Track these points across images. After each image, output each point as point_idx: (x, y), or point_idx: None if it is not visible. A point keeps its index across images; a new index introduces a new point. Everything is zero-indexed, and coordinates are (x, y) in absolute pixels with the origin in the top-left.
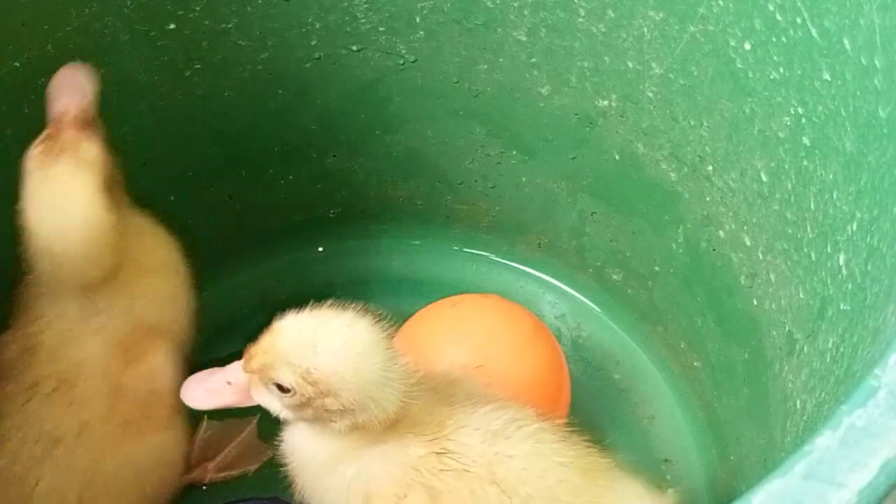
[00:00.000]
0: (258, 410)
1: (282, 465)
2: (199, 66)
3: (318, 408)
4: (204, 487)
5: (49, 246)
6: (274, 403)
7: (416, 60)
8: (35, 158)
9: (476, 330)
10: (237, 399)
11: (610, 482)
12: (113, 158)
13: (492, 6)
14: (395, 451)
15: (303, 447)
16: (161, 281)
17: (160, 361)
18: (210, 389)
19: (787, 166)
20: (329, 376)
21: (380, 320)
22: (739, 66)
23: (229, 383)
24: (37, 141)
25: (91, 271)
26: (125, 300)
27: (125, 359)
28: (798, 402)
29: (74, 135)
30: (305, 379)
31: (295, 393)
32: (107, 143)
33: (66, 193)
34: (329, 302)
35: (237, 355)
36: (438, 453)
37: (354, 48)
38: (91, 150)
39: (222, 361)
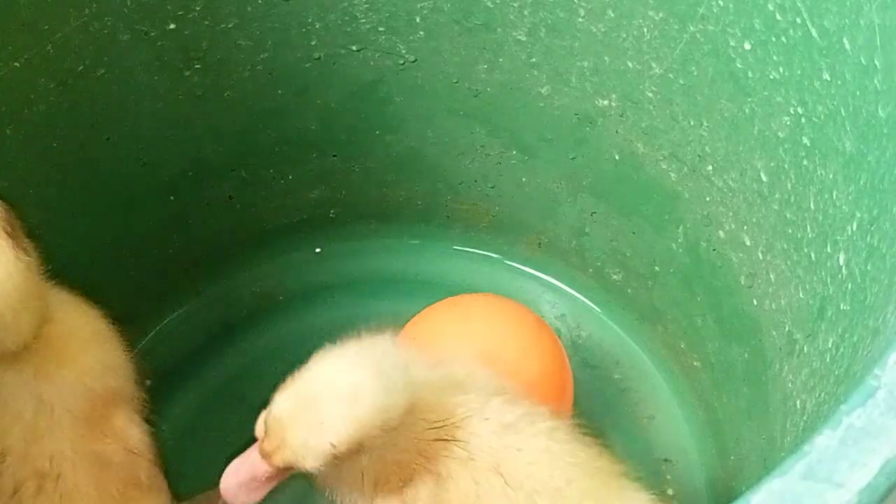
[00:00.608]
0: None
1: None
2: (199, 66)
3: (351, 462)
4: None
5: None
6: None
7: (416, 60)
8: None
9: (480, 329)
10: (275, 482)
11: (619, 490)
12: (10, 209)
13: (492, 6)
14: (404, 436)
15: None
16: (100, 349)
17: (126, 422)
18: (246, 487)
19: (787, 166)
20: (351, 438)
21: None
22: (739, 66)
23: (260, 477)
24: None
25: (22, 325)
26: (75, 378)
27: (95, 432)
28: (798, 402)
29: None
30: (332, 455)
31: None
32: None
33: None
34: (325, 346)
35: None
36: (446, 440)
37: (354, 48)
38: None
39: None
